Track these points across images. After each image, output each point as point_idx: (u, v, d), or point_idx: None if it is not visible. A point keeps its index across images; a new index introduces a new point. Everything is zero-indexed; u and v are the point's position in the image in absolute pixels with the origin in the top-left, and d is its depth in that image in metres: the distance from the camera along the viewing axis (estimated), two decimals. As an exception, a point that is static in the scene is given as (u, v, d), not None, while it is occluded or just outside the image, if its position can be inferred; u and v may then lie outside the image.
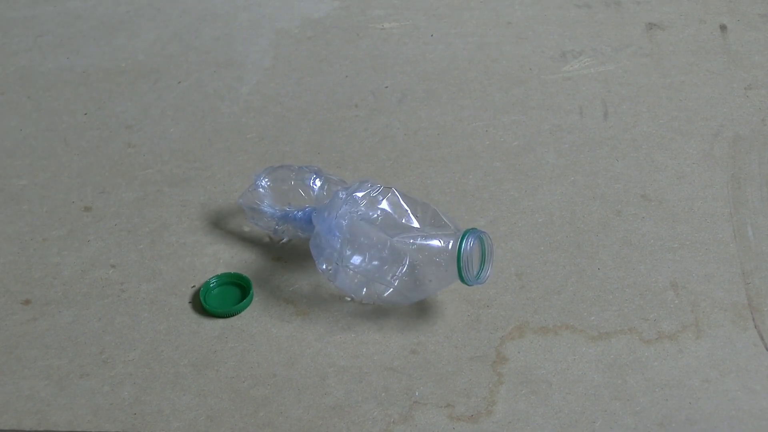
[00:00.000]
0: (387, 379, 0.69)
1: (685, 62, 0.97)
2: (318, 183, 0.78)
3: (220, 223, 0.82)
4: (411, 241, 0.71)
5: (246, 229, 0.81)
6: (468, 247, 0.69)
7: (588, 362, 0.70)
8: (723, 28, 1.01)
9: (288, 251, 0.79)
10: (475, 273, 0.70)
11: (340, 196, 0.73)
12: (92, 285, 0.77)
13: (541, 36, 1.01)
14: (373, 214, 0.73)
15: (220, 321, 0.74)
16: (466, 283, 0.70)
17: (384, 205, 0.73)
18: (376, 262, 0.71)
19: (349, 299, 0.75)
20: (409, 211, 0.73)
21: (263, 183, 0.79)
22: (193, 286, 0.76)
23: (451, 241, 0.70)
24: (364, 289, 0.72)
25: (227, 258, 0.79)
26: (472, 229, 0.71)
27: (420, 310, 0.74)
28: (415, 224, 0.73)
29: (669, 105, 0.91)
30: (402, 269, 0.71)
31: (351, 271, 0.72)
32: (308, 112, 0.94)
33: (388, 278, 0.71)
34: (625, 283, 0.75)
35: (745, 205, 0.81)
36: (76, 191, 0.86)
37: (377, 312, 0.74)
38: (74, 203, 0.84)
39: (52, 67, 1.01)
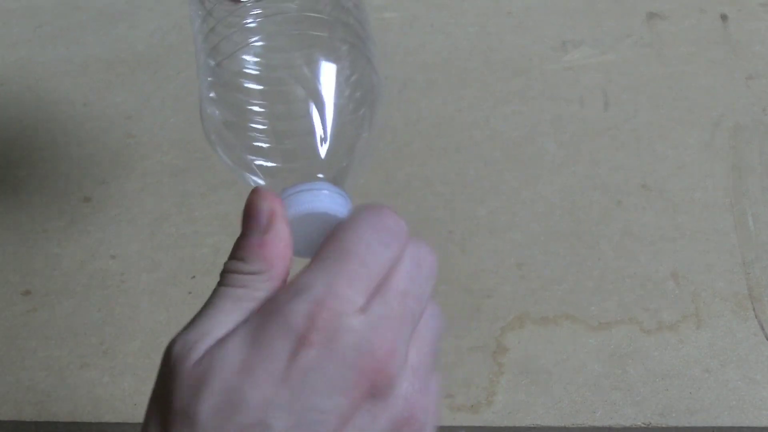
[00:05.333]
0: (387, 370, 0.69)
1: (686, 52, 0.96)
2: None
3: (220, 214, 0.82)
4: None
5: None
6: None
7: (588, 352, 0.70)
8: (724, 17, 1.01)
9: (288, 242, 0.79)
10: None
11: None
12: (92, 276, 0.77)
13: (542, 26, 1.01)
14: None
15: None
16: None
17: None
18: None
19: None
20: None
21: None
22: (193, 277, 0.76)
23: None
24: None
25: (227, 248, 0.78)
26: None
27: (420, 300, 0.74)
28: None
29: (669, 95, 0.91)
30: None
31: None
32: (308, 102, 0.93)
33: None
34: (626, 273, 0.75)
35: (745, 195, 0.81)
36: (75, 182, 0.85)
37: (377, 302, 0.74)
38: (74, 194, 0.84)
39: (51, 58, 1.01)
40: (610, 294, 0.74)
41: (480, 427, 0.66)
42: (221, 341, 0.38)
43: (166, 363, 0.39)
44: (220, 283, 0.41)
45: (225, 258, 0.82)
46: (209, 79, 0.47)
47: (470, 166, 0.85)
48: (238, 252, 0.42)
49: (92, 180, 0.86)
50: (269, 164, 0.45)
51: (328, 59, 0.46)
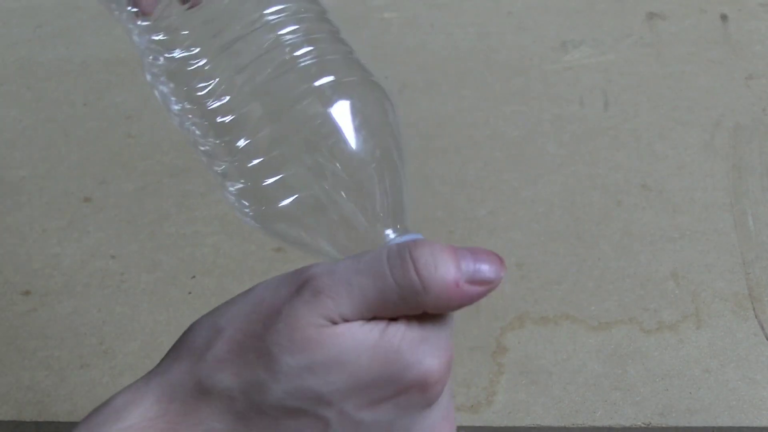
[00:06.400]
0: (387, 370, 0.69)
1: (686, 52, 0.96)
2: None
3: (220, 214, 0.82)
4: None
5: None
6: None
7: (588, 352, 0.70)
8: (724, 17, 1.01)
9: (288, 242, 0.79)
10: None
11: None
12: (92, 276, 0.77)
13: (542, 26, 1.01)
14: None
15: (220, 311, 0.74)
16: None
17: None
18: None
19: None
20: None
21: None
22: (193, 277, 0.76)
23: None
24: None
25: (227, 249, 0.79)
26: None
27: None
28: None
29: (669, 95, 0.91)
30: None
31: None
32: (308, 102, 0.93)
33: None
34: (626, 273, 0.75)
35: (745, 195, 0.81)
36: (75, 182, 0.85)
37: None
38: (74, 194, 0.84)
39: (51, 58, 1.01)
40: (610, 294, 0.74)
41: (480, 427, 0.66)
42: (353, 334, 0.38)
43: (299, 292, 0.39)
44: (390, 262, 0.38)
45: (225, 258, 0.82)
46: (241, 195, 0.46)
47: (470, 166, 0.85)
48: (440, 262, 0.38)
49: (92, 180, 0.86)
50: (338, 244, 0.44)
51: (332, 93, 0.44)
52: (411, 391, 0.38)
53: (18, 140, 0.90)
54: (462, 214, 0.80)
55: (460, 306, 0.39)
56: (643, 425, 0.66)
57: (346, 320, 0.38)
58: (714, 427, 0.66)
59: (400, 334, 0.38)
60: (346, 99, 0.44)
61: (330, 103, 0.43)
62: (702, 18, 1.01)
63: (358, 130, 0.45)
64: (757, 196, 0.81)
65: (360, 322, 0.38)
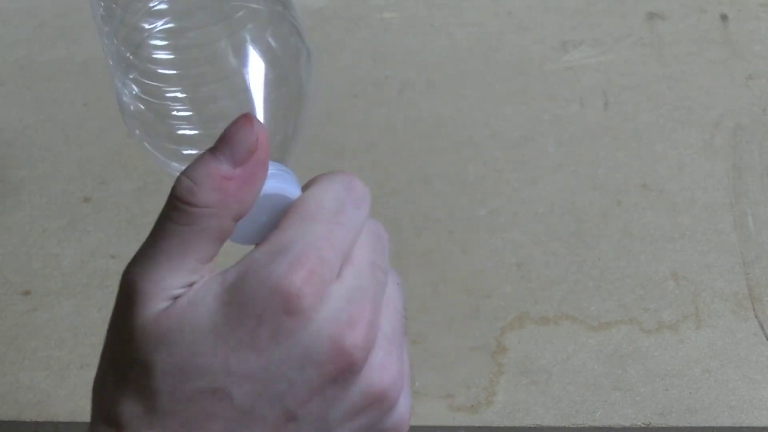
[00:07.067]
0: (387, 370, 0.69)
1: (686, 52, 0.96)
2: None
3: (219, 214, 0.81)
4: None
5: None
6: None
7: (588, 352, 0.70)
8: (724, 17, 1.01)
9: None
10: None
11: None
12: (92, 275, 0.77)
13: (541, 26, 1.01)
14: None
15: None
16: None
17: None
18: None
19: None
20: None
21: None
22: (193, 277, 0.76)
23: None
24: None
25: (226, 248, 0.78)
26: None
27: (420, 300, 0.74)
28: None
29: (669, 95, 0.91)
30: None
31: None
32: (308, 102, 0.93)
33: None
34: (626, 273, 0.75)
35: (745, 195, 0.81)
36: (75, 182, 0.85)
37: (377, 302, 0.74)
38: (74, 194, 0.84)
39: (51, 58, 1.01)
40: (610, 294, 0.74)
41: (480, 427, 0.66)
42: (193, 299, 0.35)
43: (126, 305, 0.36)
44: (165, 214, 0.36)
45: (224, 257, 0.82)
46: (131, 76, 0.44)
47: (470, 166, 0.85)
48: (194, 172, 0.36)
49: (92, 180, 0.86)
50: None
51: (248, 30, 0.42)
52: (274, 315, 0.34)
53: (18, 140, 0.90)
54: (462, 214, 0.80)
55: (253, 194, 0.36)
56: (643, 425, 0.66)
57: (174, 292, 0.36)
58: (714, 427, 0.66)
59: (236, 268, 0.36)
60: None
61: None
62: (702, 18, 1.01)
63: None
64: (757, 196, 0.81)
65: (198, 284, 0.36)
